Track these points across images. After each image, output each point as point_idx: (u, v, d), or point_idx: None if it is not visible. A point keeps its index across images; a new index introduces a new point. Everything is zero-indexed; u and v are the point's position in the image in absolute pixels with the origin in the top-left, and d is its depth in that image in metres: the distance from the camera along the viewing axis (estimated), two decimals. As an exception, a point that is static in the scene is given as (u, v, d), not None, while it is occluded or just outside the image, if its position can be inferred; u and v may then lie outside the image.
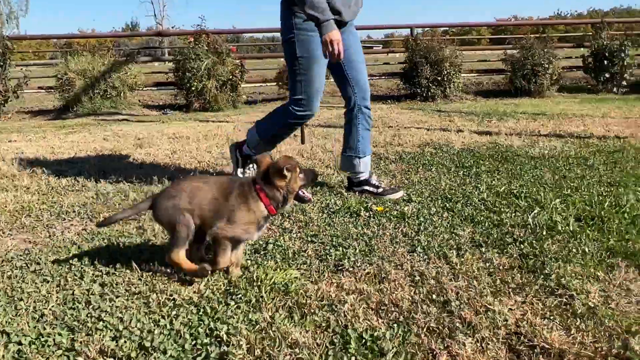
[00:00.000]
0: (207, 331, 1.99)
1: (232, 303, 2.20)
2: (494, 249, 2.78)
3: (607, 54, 12.25)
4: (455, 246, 2.83)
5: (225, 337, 1.93)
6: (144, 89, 11.97)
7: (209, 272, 2.39)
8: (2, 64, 10.01)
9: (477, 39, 33.40)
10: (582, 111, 8.85)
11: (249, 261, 2.67)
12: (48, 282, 2.47)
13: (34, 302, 2.26)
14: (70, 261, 2.70)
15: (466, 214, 3.36)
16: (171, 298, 2.27)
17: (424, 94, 11.60)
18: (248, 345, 1.88)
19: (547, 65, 11.85)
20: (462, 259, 2.63)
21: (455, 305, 2.14)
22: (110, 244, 2.96)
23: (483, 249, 2.77)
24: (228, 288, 2.36)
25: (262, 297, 2.25)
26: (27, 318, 2.11)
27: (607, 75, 12.44)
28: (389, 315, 2.10)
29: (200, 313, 2.13)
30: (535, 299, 2.21)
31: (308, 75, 3.70)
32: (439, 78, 11.53)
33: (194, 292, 2.34)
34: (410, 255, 2.72)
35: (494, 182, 4.17)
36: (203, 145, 6.14)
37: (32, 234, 3.24)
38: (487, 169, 4.64)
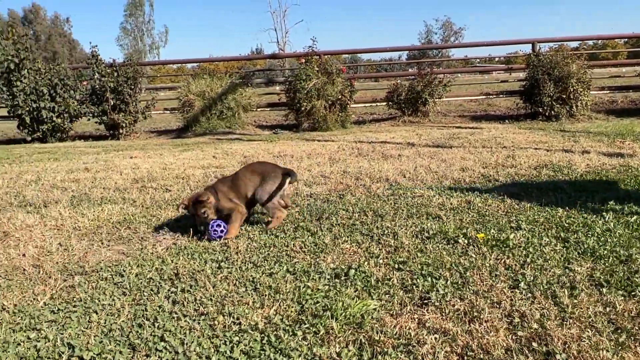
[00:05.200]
0: (266, 363, 1.81)
1: (300, 333, 2.00)
2: (618, 290, 2.30)
3: None
4: (568, 284, 2.39)
5: (283, 372, 1.74)
6: (257, 109, 12.40)
7: None
8: (133, 87, 10.92)
9: (613, 54, 30.62)
10: None
11: (326, 286, 2.46)
12: (125, 295, 2.46)
13: (107, 315, 2.24)
14: (151, 275, 2.69)
15: (585, 247, 2.86)
16: (237, 322, 2.13)
17: (547, 113, 10.69)
18: (306, 385, 1.67)
19: (696, 80, 10.37)
20: (576, 301, 2.20)
21: (561, 359, 1.75)
22: (193, 259, 2.93)
23: (604, 290, 2.30)
24: (299, 315, 2.17)
25: (332, 328, 2.02)
26: (96, 331, 2.09)
27: None
28: (476, 364, 1.77)
29: (264, 342, 1.96)
30: (672, 360, 1.75)
31: None
32: (564, 96, 10.56)
33: (263, 316, 2.17)
34: (511, 292, 2.33)
35: (623, 210, 3.57)
36: (304, 164, 6.09)
37: (127, 245, 3.32)
38: (615, 195, 4.01)
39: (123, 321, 2.17)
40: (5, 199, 4.72)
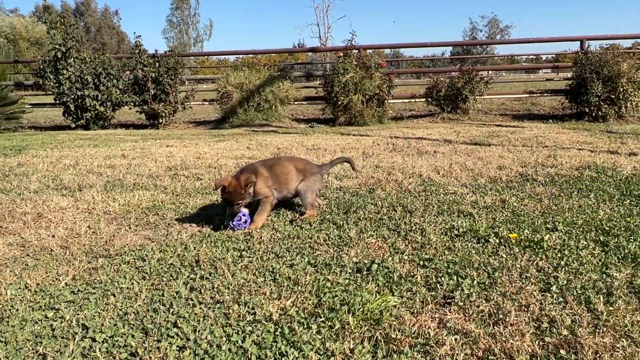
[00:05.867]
0: (276, 355, 1.75)
1: (314, 327, 1.94)
2: (659, 299, 2.14)
3: None
4: (604, 290, 2.23)
5: (292, 365, 1.68)
6: (295, 103, 12.38)
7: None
8: (173, 77, 11.07)
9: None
10: None
11: (347, 280, 2.39)
12: (144, 279, 2.46)
13: (124, 298, 2.24)
14: (172, 261, 2.68)
15: (626, 252, 2.68)
16: (252, 312, 2.08)
17: (593, 114, 10.24)
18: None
19: None
20: (612, 308, 2.05)
21: (590, 369, 1.63)
22: (215, 247, 2.90)
23: (644, 299, 2.14)
24: (315, 308, 2.11)
25: (348, 323, 1.95)
26: (112, 314, 2.08)
27: None
28: (497, 369, 1.66)
29: (277, 333, 1.90)
30: None
31: None
32: (613, 96, 10.09)
33: (279, 308, 2.12)
34: (542, 296, 2.20)
35: (671, 215, 3.35)
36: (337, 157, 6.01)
37: (153, 231, 3.33)
38: (663, 199, 3.77)
39: (139, 305, 2.16)
40: (43, 182, 4.84)
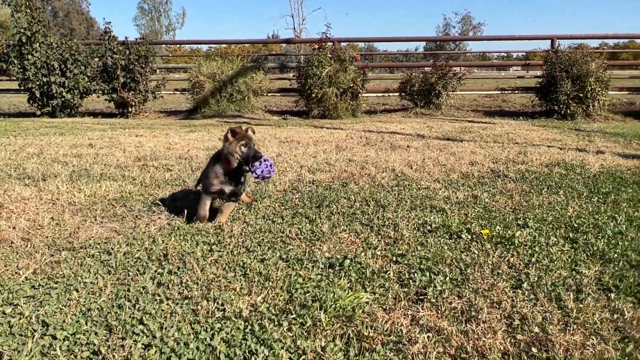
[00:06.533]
0: (246, 354, 1.70)
1: (285, 324, 1.89)
2: (627, 296, 2.17)
3: None
4: (574, 287, 2.25)
5: (262, 364, 1.64)
6: (269, 94, 12.25)
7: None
8: (144, 66, 10.81)
9: (634, 55, 30.05)
10: None
11: (319, 276, 2.35)
12: (110, 273, 2.37)
13: (87, 293, 2.15)
14: (140, 255, 2.60)
15: (595, 249, 2.72)
16: (221, 308, 2.02)
17: (562, 112, 10.44)
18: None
19: None
20: (581, 305, 2.06)
21: (561, 367, 1.63)
22: (184, 241, 2.83)
23: (612, 296, 2.17)
24: (287, 305, 2.06)
25: (320, 320, 1.91)
26: (74, 310, 2.00)
27: None
28: (469, 367, 1.65)
29: (247, 331, 1.85)
30: (682, 374, 1.62)
31: None
32: (581, 94, 10.30)
33: (250, 304, 2.07)
34: (513, 292, 2.21)
35: (636, 213, 3.41)
36: (310, 150, 5.96)
37: (120, 223, 3.23)
38: (629, 197, 3.85)
39: (103, 301, 2.08)
40: (4, 171, 4.65)
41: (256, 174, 2.98)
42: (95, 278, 2.31)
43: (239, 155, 3.01)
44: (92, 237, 2.94)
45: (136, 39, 11.20)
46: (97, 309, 2.01)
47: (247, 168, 3.01)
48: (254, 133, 3.17)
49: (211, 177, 3.12)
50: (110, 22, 10.87)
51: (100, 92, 10.88)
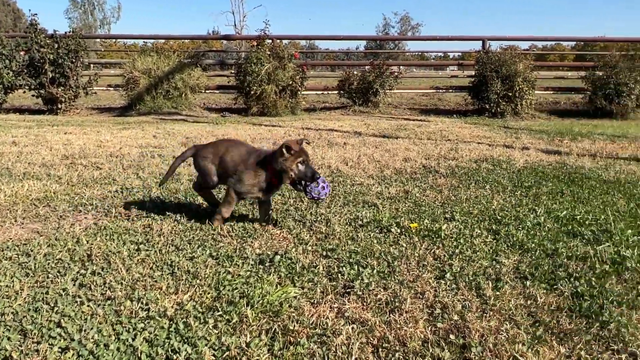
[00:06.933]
0: (168, 352, 1.68)
1: (211, 321, 1.88)
2: (541, 283, 2.30)
3: None
4: (493, 276, 2.36)
5: (184, 362, 1.61)
6: (207, 91, 12.06)
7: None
8: (74, 60, 10.36)
9: (559, 57, 31.75)
10: (671, 136, 7.91)
11: (248, 272, 2.35)
12: (27, 276, 2.26)
13: (2, 297, 2.04)
14: (61, 256, 2.50)
15: (515, 240, 2.86)
16: (146, 308, 1.98)
17: (493, 110, 10.90)
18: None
19: (632, 85, 10.82)
20: (499, 293, 2.17)
21: (476, 352, 1.71)
22: (111, 240, 2.74)
23: (527, 283, 2.29)
24: (214, 302, 2.04)
25: (246, 317, 1.91)
26: (-14, 315, 1.89)
27: None
28: (390, 356, 1.69)
29: (171, 329, 1.82)
30: (585, 353, 1.73)
31: None
32: (510, 94, 10.79)
33: (176, 302, 2.03)
34: (437, 283, 2.29)
35: (554, 205, 3.62)
36: (247, 148, 5.91)
37: (43, 224, 3.09)
38: (549, 190, 4.08)
39: (19, 305, 1.98)
40: None
41: (311, 194, 2.84)
42: (11, 281, 2.19)
43: (295, 174, 2.84)
44: (11, 238, 2.80)
45: (66, 33, 10.71)
46: (12, 313, 1.92)
47: (302, 188, 2.87)
48: (308, 144, 3.12)
49: (251, 185, 2.91)
50: (36, 14, 10.37)
51: (27, 87, 10.34)
